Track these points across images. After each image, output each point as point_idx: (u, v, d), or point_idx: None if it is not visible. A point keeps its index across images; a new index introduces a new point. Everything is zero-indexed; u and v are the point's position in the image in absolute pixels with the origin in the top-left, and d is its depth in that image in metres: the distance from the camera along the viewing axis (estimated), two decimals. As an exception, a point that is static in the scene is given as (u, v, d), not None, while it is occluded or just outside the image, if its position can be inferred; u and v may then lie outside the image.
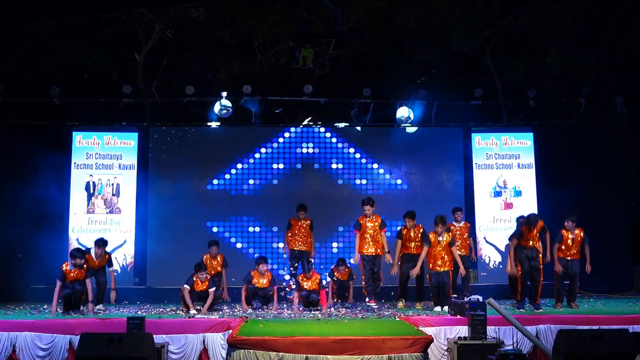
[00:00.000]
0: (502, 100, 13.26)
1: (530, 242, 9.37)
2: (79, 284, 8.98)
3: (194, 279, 9.54)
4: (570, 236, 9.64)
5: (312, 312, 9.59)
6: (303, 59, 8.90)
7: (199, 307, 9.33)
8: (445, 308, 9.25)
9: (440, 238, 9.67)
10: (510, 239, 9.67)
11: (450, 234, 9.84)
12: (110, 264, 9.84)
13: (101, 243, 9.67)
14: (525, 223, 9.39)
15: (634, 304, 9.86)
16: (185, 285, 9.53)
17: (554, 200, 11.62)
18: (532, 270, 9.31)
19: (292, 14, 12.27)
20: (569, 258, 9.65)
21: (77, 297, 8.96)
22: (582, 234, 9.68)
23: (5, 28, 9.78)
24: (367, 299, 10.13)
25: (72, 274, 8.96)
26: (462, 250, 10.47)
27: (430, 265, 9.72)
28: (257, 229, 12.35)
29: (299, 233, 11.03)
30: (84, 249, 9.72)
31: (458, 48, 13.41)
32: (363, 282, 10.22)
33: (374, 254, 10.10)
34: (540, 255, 9.44)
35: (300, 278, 10.03)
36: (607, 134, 12.72)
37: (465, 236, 10.65)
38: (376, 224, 10.17)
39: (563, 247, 9.67)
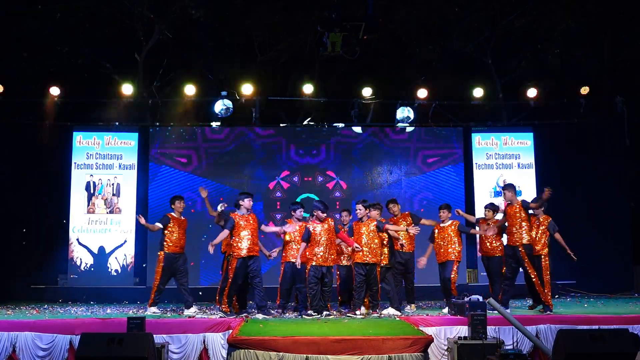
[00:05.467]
0: (502, 100, 13.26)
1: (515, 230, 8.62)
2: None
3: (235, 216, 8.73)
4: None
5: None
6: (332, 44, 8.45)
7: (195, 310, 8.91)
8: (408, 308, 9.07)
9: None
10: None
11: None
12: None
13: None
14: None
15: (634, 304, 9.86)
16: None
17: (554, 200, 11.59)
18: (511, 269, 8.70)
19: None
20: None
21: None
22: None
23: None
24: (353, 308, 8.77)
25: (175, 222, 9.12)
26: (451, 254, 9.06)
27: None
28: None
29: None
30: None
31: (458, 48, 13.41)
32: (354, 294, 8.77)
33: (369, 262, 8.66)
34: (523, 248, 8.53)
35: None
36: (607, 134, 12.72)
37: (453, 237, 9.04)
38: (371, 228, 8.68)
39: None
